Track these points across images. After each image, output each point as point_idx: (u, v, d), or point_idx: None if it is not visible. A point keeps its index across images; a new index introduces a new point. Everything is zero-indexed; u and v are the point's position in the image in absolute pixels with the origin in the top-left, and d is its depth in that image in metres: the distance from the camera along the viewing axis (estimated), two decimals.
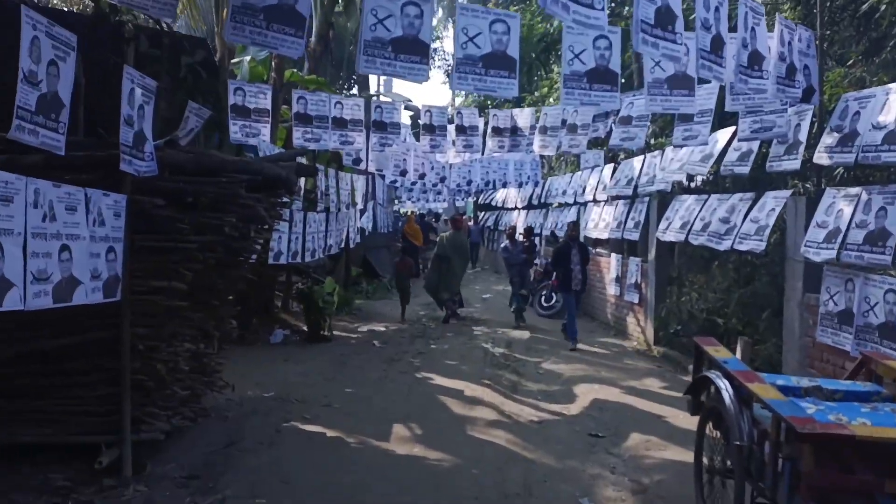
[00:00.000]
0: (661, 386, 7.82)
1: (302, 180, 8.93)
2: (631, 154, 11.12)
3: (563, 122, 9.76)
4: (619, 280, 11.32)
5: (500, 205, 22.22)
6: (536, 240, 17.33)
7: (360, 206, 13.05)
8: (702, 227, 8.14)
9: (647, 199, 10.48)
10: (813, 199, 6.20)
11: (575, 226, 11.53)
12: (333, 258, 14.21)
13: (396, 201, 31.76)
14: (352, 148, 9.00)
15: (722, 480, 3.88)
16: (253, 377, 7.39)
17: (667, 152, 9.40)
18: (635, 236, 10.44)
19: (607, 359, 9.30)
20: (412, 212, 33.78)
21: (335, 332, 10.55)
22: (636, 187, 10.56)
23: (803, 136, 6.55)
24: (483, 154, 11.30)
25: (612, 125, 9.27)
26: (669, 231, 8.86)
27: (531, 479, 4.91)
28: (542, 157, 19.17)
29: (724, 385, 3.66)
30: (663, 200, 9.52)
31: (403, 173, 12.49)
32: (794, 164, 6.59)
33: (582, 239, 13.38)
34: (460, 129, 10.14)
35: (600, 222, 12.05)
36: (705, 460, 4.10)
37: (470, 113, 10.31)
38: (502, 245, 9.35)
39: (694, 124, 7.43)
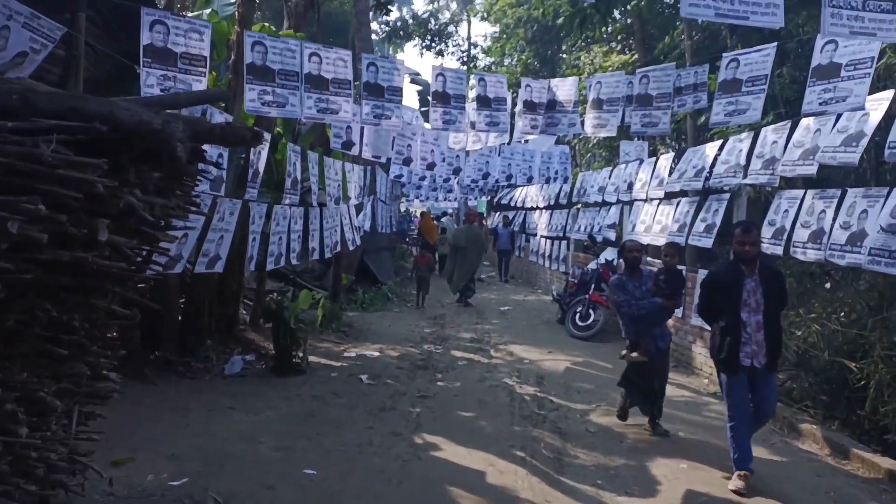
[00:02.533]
0: (771, 453, 5.39)
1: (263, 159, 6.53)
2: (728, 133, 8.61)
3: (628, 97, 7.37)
4: None
5: (518, 204, 19.72)
6: (564, 244, 14.92)
7: (353, 200, 10.65)
8: (811, 235, 5.75)
9: (724, 195, 8.05)
10: None
11: (748, 235, 5.00)
12: (327, 263, 11.83)
13: (403, 199, 29.47)
14: (335, 119, 6.59)
15: None
16: (171, 441, 5.01)
17: (765, 134, 6.93)
18: (707, 242, 8.00)
19: (678, 406, 6.86)
20: (427, 209, 31.37)
21: (313, 360, 8.15)
22: (706, 180, 8.16)
23: None
24: (511, 138, 8.86)
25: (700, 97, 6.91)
26: (768, 240, 6.45)
27: None
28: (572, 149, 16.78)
29: None
30: (756, 198, 7.09)
31: (407, 162, 10.09)
32: None
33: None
34: (483, 102, 7.72)
35: (654, 224, 9.60)
36: None
37: (496, 81, 7.87)
38: (614, 279, 6.09)
39: (841, 81, 5.00)
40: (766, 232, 6.60)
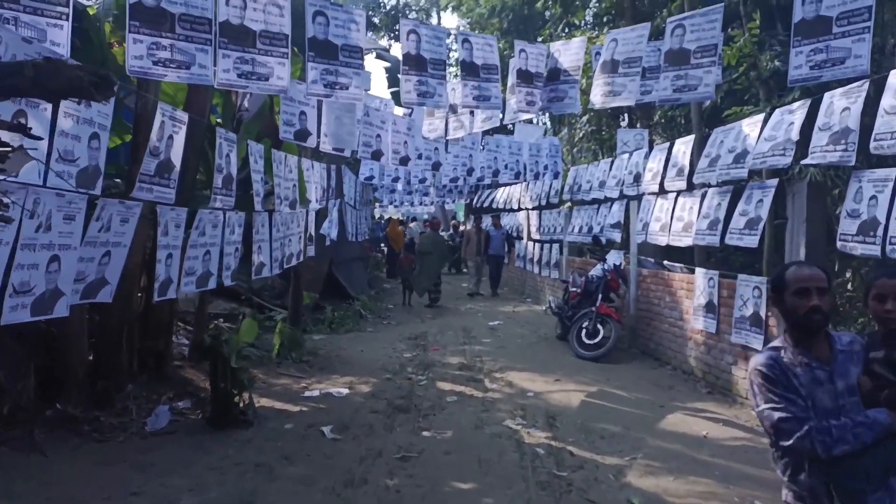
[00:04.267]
0: None
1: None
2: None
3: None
4: (713, 309, 7.32)
5: (500, 206, 18.10)
6: (556, 248, 13.35)
7: (314, 204, 8.96)
8: None
9: (769, 182, 6.53)
10: None
11: None
12: (289, 278, 10.10)
13: (377, 204, 27.76)
14: (264, 89, 4.85)
15: None
16: None
17: (830, 100, 5.39)
18: (750, 241, 6.46)
19: (736, 456, 5.27)
20: (393, 217, 29.91)
21: (265, 404, 6.45)
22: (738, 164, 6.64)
23: None
24: (503, 118, 7.23)
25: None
26: (853, 238, 4.93)
27: None
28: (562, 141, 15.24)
29: None
30: (821, 182, 5.56)
31: (377, 156, 8.40)
32: None
33: (636, 245, 9.45)
34: (469, 70, 6.09)
35: (673, 222, 8.07)
36: None
37: (484, 44, 6.23)
38: (762, 360, 2.30)
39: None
40: (848, 226, 5.07)
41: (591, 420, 6.20)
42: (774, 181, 6.40)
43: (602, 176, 10.87)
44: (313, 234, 9.47)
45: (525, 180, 13.62)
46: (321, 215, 11.58)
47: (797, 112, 5.93)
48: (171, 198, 5.02)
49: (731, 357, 7.03)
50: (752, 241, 6.44)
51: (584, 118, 15.94)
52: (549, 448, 5.42)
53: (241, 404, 5.98)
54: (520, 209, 16.00)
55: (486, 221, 17.85)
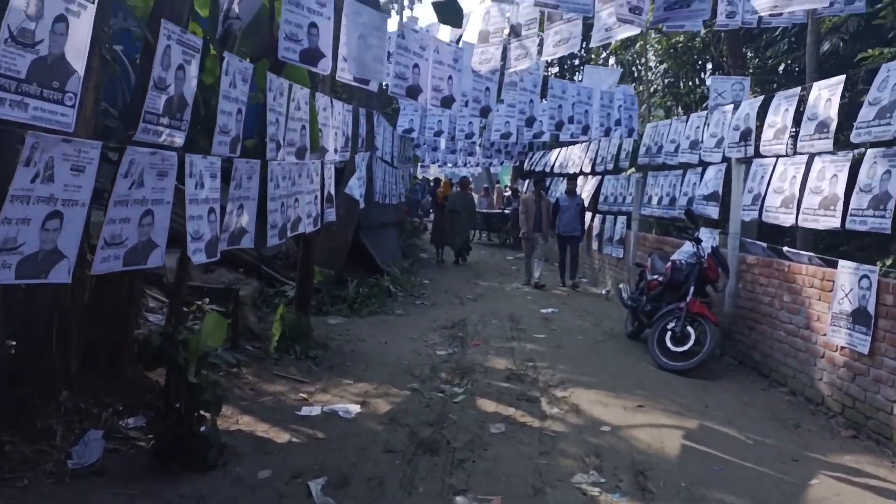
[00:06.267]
0: None
1: None
2: None
3: None
4: (866, 319, 5.23)
5: (555, 170, 15.88)
6: (620, 222, 11.25)
7: (334, 155, 7.08)
8: None
9: None
10: None
11: None
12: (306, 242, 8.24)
13: (419, 164, 25.71)
14: None
15: None
16: None
17: None
18: None
19: None
20: (446, 177, 27.69)
21: (245, 426, 4.71)
22: None
23: None
24: (590, 40, 5.17)
25: None
26: None
27: None
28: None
29: None
30: None
31: (413, 93, 6.41)
32: None
33: (740, 223, 7.38)
34: None
35: (806, 194, 5.99)
36: None
37: None
38: None
39: None
40: None
41: (700, 483, 4.26)
42: None
43: (693, 134, 8.72)
44: (333, 193, 7.60)
45: (592, 139, 11.46)
46: (347, 172, 9.76)
47: None
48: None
49: (891, 389, 4.97)
50: None
51: (662, 67, 13.61)
52: None
53: (205, 427, 4.22)
54: (579, 174, 13.79)
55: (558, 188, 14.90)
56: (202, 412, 4.16)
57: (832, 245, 9.61)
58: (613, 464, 4.48)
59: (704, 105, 12.54)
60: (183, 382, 4.11)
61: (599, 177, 12.64)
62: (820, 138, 5.87)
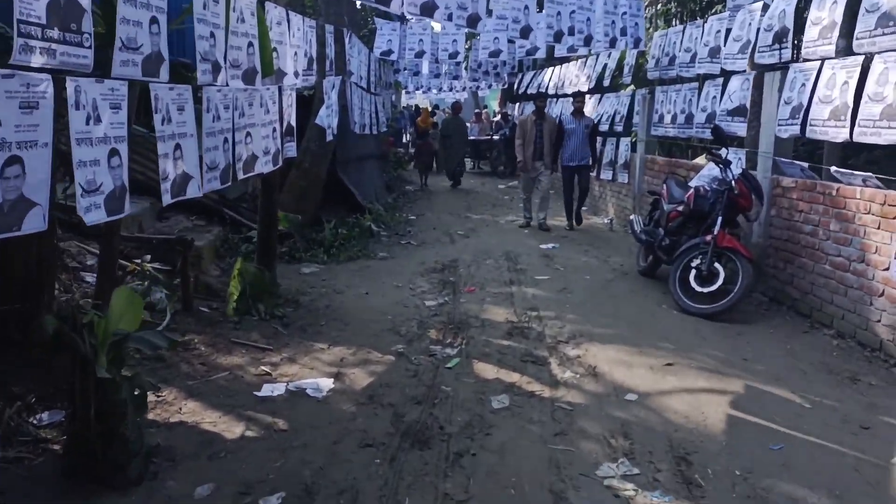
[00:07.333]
0: None
1: None
2: None
3: None
4: None
5: (549, 92, 14.48)
6: (624, 144, 10.15)
7: (294, 80, 5.91)
8: None
9: None
10: None
11: None
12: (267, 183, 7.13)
13: (403, 91, 24.24)
14: None
15: None
16: None
17: None
18: None
19: None
20: (424, 106, 26.46)
21: (189, 411, 3.77)
22: None
23: None
24: None
25: None
26: None
27: None
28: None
29: None
30: None
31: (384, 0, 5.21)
32: None
33: (774, 140, 6.34)
34: None
35: (863, 103, 4.93)
36: None
37: None
38: None
39: None
40: None
41: (758, 469, 3.38)
42: None
43: (713, 40, 7.53)
44: (294, 124, 6.46)
45: (594, 52, 10.21)
46: (317, 100, 8.58)
47: None
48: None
49: None
50: None
51: None
52: None
53: (123, 432, 3.27)
54: (579, 94, 12.48)
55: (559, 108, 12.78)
56: (118, 416, 3.19)
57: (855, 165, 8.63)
58: (647, 447, 3.60)
59: (713, 10, 11.24)
60: (91, 378, 3.14)
61: (599, 95, 11.45)
62: (884, 34, 4.76)
